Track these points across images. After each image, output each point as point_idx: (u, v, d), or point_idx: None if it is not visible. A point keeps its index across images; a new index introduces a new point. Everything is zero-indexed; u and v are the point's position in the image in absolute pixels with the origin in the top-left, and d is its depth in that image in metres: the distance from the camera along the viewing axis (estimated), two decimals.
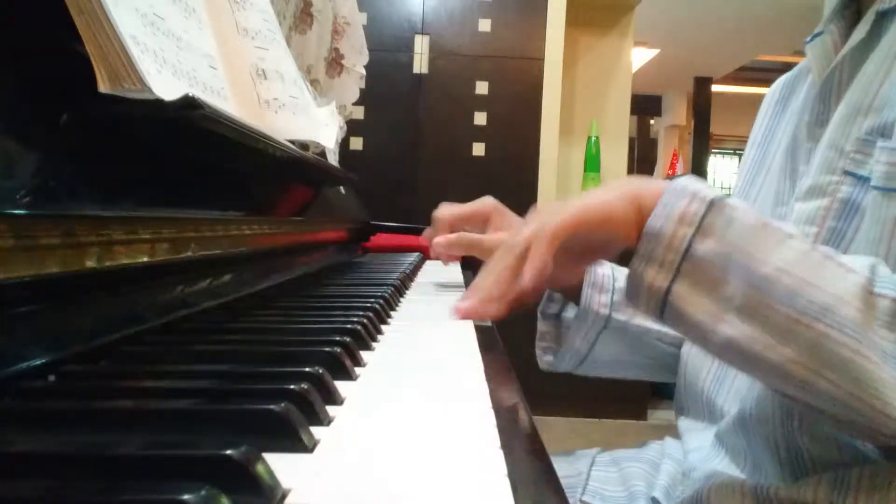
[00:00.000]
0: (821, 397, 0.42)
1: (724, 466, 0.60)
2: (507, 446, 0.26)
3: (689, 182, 0.46)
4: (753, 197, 0.68)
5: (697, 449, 0.66)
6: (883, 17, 0.54)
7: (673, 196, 0.45)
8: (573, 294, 0.71)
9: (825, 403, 0.42)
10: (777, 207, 0.62)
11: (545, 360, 0.75)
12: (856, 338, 0.40)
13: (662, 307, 0.45)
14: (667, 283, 0.45)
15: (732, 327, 0.43)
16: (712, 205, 0.44)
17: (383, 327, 0.54)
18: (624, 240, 0.49)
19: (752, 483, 0.54)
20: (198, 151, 0.53)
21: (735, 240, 0.44)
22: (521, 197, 2.49)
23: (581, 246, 0.51)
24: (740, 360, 0.45)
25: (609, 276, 0.72)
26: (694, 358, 0.67)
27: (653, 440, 0.77)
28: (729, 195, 0.46)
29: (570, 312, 0.75)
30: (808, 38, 0.62)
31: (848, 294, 0.41)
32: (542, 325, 0.75)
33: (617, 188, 0.49)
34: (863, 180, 0.51)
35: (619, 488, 0.69)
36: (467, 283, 0.85)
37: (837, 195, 0.53)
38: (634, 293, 0.47)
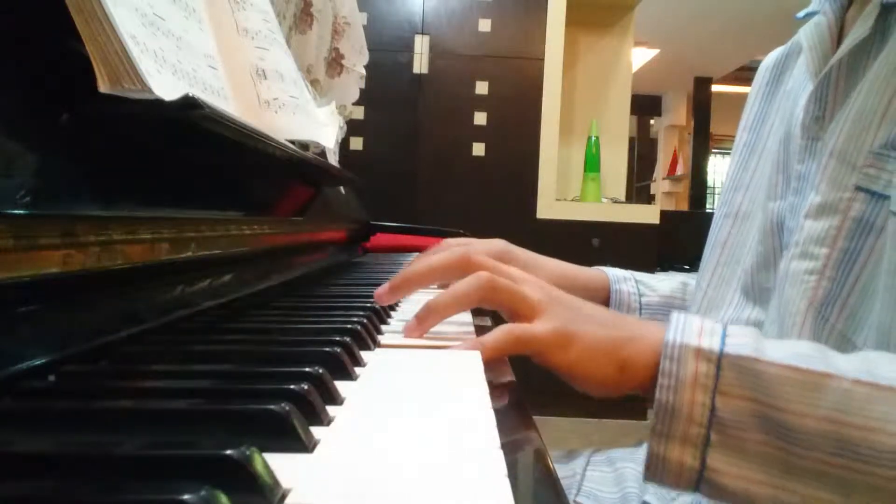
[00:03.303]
0: None
1: None
2: (507, 446, 0.26)
3: (685, 335, 0.41)
4: (746, 183, 0.66)
5: None
6: (888, 12, 0.51)
7: (673, 361, 0.40)
8: None
9: None
10: (770, 202, 0.60)
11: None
12: None
13: (698, 484, 0.40)
14: (698, 460, 0.40)
15: (793, 494, 0.38)
16: (721, 360, 0.40)
17: (383, 327, 0.54)
18: (596, 390, 0.46)
19: None
20: (198, 151, 0.53)
21: (764, 396, 0.38)
22: (521, 197, 2.49)
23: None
24: None
25: (635, 294, 0.70)
26: None
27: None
28: (727, 334, 0.41)
29: None
30: (801, 15, 0.59)
31: None
32: None
33: (605, 342, 0.44)
34: (877, 197, 0.48)
35: (613, 489, 0.69)
36: None
37: (850, 213, 0.49)
38: (659, 474, 0.42)
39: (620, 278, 0.76)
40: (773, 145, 0.62)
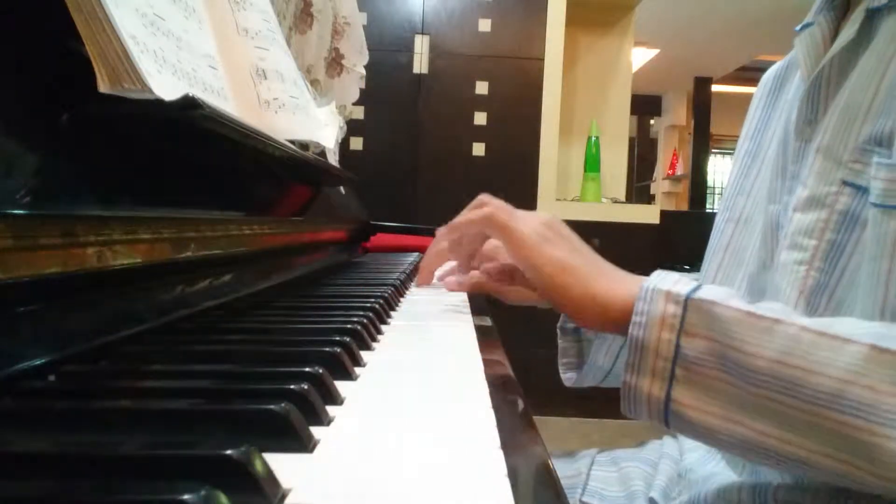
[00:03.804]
0: (856, 482, 0.39)
1: (722, 469, 0.60)
2: (507, 446, 0.26)
3: (660, 281, 0.45)
4: (748, 189, 0.68)
5: (694, 449, 0.66)
6: (873, 16, 0.52)
7: (646, 301, 0.44)
8: None
9: (861, 485, 0.40)
10: (770, 205, 0.61)
11: (568, 376, 0.74)
12: (873, 420, 0.37)
13: (666, 416, 0.44)
14: (664, 391, 0.43)
15: (744, 427, 0.41)
16: (688, 302, 0.43)
17: (383, 327, 0.54)
18: (575, 315, 0.51)
19: (750, 485, 0.54)
20: (198, 151, 0.53)
21: (723, 336, 0.42)
22: (521, 197, 2.49)
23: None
24: (762, 457, 0.42)
25: None
26: None
27: (652, 440, 0.77)
28: (701, 286, 0.45)
29: None
30: (798, 27, 0.61)
31: (850, 372, 0.38)
32: (562, 342, 0.75)
33: (586, 278, 0.51)
34: (862, 191, 0.50)
35: (618, 488, 0.69)
36: None
37: (836, 207, 0.51)
38: (633, 406, 0.45)
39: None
40: (773, 151, 0.63)
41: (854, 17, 0.53)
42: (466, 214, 0.62)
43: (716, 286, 0.45)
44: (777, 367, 0.40)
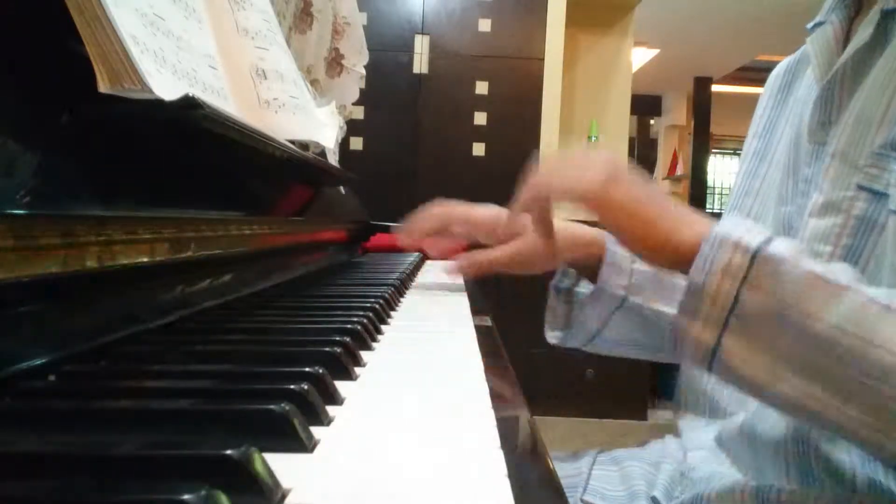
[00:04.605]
0: (886, 452, 0.41)
1: (726, 468, 0.60)
2: (507, 446, 0.26)
3: (731, 228, 0.44)
4: (756, 190, 0.67)
5: (697, 448, 0.66)
6: (888, 17, 0.52)
7: (713, 247, 0.43)
8: (588, 271, 0.71)
9: (891, 459, 0.41)
10: (780, 206, 0.61)
11: (553, 334, 0.74)
12: None
13: (711, 361, 0.44)
14: (714, 339, 0.43)
15: (789, 385, 0.41)
16: (756, 257, 0.42)
17: (383, 327, 0.54)
18: (646, 257, 0.49)
19: (754, 486, 0.53)
20: (198, 151, 0.53)
21: (786, 295, 0.41)
22: None
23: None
24: (797, 413, 0.43)
25: (627, 255, 0.71)
26: None
27: (654, 440, 0.76)
28: (772, 239, 0.44)
29: (583, 288, 0.74)
30: (810, 25, 0.60)
31: None
32: (553, 300, 0.75)
33: (661, 214, 0.48)
34: (878, 195, 0.50)
35: (619, 487, 0.69)
36: (467, 283, 0.85)
37: (852, 212, 0.51)
38: (680, 346, 0.45)
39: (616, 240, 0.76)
40: (782, 151, 0.63)
41: (869, 19, 0.53)
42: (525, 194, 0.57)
43: (787, 240, 0.44)
44: (837, 334, 0.40)
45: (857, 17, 0.58)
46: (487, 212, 0.73)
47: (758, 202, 0.67)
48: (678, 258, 0.46)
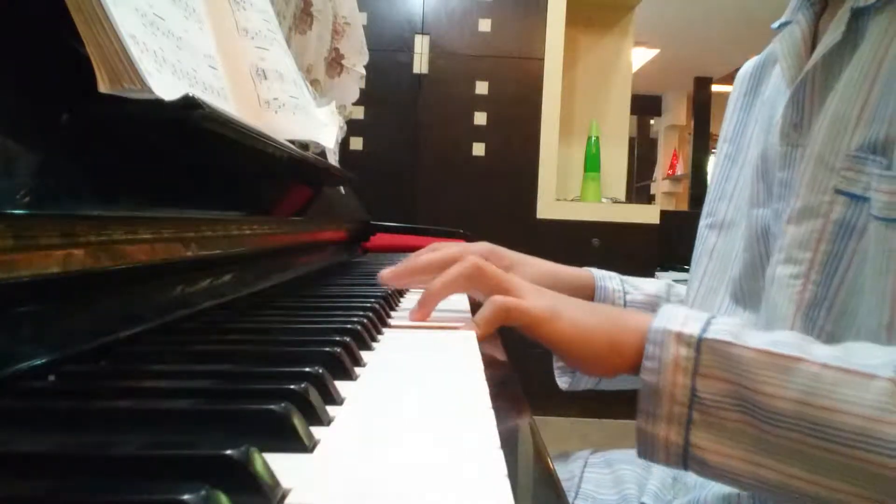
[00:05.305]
0: None
1: None
2: (507, 446, 0.26)
3: (667, 322, 0.44)
4: (729, 193, 0.67)
5: None
6: (858, 16, 0.51)
7: (656, 345, 0.43)
8: None
9: None
10: (753, 209, 0.60)
11: (563, 380, 0.73)
12: None
13: (685, 460, 0.43)
14: (682, 437, 0.42)
15: (769, 471, 0.40)
16: (700, 345, 0.42)
17: (383, 327, 0.54)
18: (590, 368, 0.48)
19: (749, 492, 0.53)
20: (198, 151, 0.53)
21: (741, 379, 0.41)
22: (521, 197, 2.49)
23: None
24: (790, 497, 0.41)
25: (620, 291, 0.71)
26: None
27: None
28: (710, 322, 0.43)
29: None
30: (776, 25, 0.59)
31: (877, 409, 0.37)
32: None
33: (594, 327, 0.48)
34: (856, 199, 0.49)
35: (611, 491, 0.69)
36: None
37: (831, 216, 0.50)
38: (650, 451, 0.44)
39: (605, 276, 0.77)
40: (753, 154, 0.63)
41: (839, 18, 0.52)
42: (448, 270, 0.54)
43: (726, 318, 0.44)
44: (801, 408, 0.39)
45: (824, 16, 0.57)
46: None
47: (731, 206, 0.66)
48: (623, 361, 0.46)
